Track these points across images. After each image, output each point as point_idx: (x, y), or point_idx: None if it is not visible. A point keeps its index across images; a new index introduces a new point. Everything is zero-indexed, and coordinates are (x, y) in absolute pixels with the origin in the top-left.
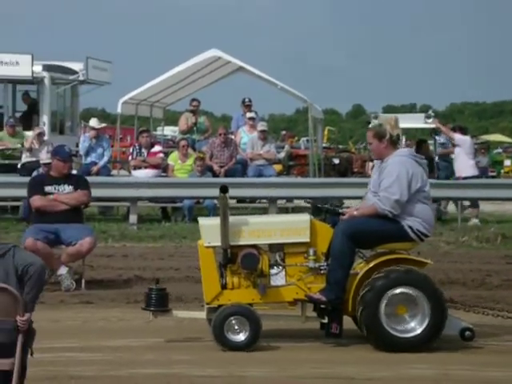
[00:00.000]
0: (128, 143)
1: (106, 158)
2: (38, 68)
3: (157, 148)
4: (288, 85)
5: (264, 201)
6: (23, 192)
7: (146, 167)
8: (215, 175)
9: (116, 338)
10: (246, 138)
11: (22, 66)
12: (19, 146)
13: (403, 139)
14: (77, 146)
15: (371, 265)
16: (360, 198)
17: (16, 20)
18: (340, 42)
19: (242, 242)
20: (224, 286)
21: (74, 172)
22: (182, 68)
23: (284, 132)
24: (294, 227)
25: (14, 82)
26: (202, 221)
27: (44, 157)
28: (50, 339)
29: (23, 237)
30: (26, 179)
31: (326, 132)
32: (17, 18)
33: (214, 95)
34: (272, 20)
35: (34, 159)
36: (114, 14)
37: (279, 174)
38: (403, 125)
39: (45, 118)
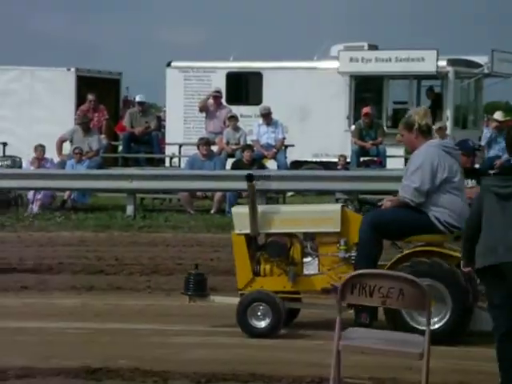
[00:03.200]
0: None
1: None
2: (442, 63)
3: None
4: None
5: None
6: None
7: None
8: None
9: None
10: None
11: (427, 62)
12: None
13: None
14: (479, 139)
15: (399, 256)
16: None
17: (422, 17)
18: None
19: (272, 230)
20: (257, 273)
21: (477, 166)
22: None
23: None
24: (325, 217)
25: (419, 77)
26: (234, 209)
27: None
28: None
29: None
30: None
31: None
32: (423, 16)
33: None
34: None
35: None
36: None
37: None
38: None
39: (448, 113)
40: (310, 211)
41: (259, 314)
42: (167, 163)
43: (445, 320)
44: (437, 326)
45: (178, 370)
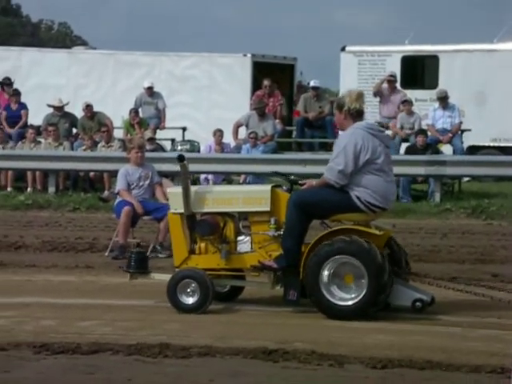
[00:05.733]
0: None
1: None
2: None
3: None
4: None
5: None
6: None
7: None
8: None
9: None
10: None
11: None
12: None
13: None
14: None
15: (321, 235)
16: None
17: None
18: None
19: (205, 210)
20: (193, 251)
21: None
22: None
23: None
24: (255, 196)
25: None
26: (169, 189)
27: None
28: None
29: None
30: None
31: None
32: None
33: None
34: None
35: None
36: None
37: None
38: None
39: None
40: (242, 191)
41: (188, 290)
42: None
43: (361, 296)
44: (351, 303)
45: (353, 354)
